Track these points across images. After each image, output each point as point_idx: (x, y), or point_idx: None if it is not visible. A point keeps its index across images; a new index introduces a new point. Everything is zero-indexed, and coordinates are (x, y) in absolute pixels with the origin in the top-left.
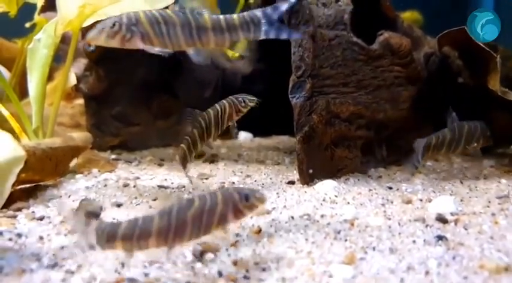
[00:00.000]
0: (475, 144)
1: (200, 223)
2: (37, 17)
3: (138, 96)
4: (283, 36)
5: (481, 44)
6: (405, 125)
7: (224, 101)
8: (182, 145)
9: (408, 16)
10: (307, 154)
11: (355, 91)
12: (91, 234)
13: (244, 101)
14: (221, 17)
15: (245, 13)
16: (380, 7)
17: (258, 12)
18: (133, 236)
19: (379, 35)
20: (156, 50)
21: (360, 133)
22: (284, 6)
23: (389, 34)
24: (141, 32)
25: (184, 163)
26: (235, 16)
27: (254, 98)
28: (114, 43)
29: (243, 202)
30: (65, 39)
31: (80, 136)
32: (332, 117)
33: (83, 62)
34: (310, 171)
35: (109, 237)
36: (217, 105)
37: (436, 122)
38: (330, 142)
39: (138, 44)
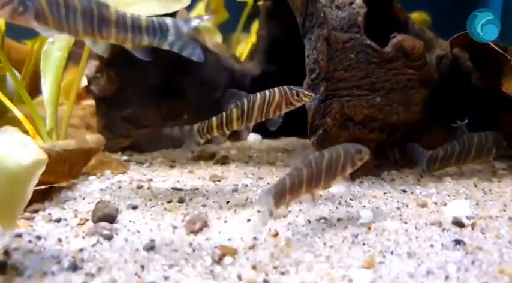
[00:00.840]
0: (488, 154)
1: (330, 171)
2: None
3: (148, 98)
4: (186, 52)
5: (495, 47)
6: (417, 128)
7: (276, 89)
8: (213, 118)
9: (416, 17)
10: None
11: (369, 94)
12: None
13: (298, 94)
14: (128, 14)
15: (156, 18)
16: (391, 9)
17: (168, 21)
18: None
19: (392, 38)
20: (49, 33)
21: (373, 136)
22: (195, 22)
23: (402, 37)
24: (36, 8)
25: (201, 134)
26: (143, 18)
27: (311, 93)
28: (4, 14)
29: (357, 155)
30: (76, 42)
31: (92, 138)
32: (346, 120)
33: (94, 64)
34: None
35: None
36: (267, 91)
37: (447, 124)
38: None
39: (31, 22)
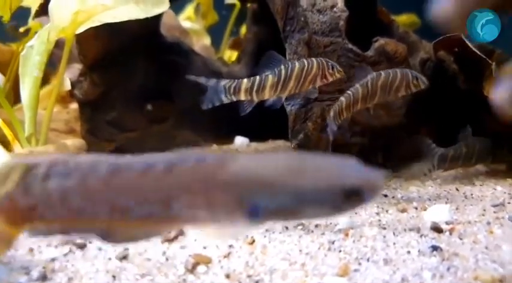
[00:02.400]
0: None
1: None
2: (31, 22)
3: (134, 102)
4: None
5: (477, 51)
6: (400, 131)
7: (314, 59)
8: (245, 80)
9: (405, 19)
10: None
11: None
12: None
13: (333, 67)
14: None
15: None
16: (375, 12)
17: None
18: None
19: (375, 41)
20: None
21: (355, 140)
22: None
23: (384, 40)
24: None
25: (227, 92)
26: None
27: (341, 69)
28: None
29: (414, 82)
30: (58, 45)
31: (73, 143)
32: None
33: (77, 67)
34: None
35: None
36: (305, 60)
37: (432, 127)
38: (325, 150)
39: None
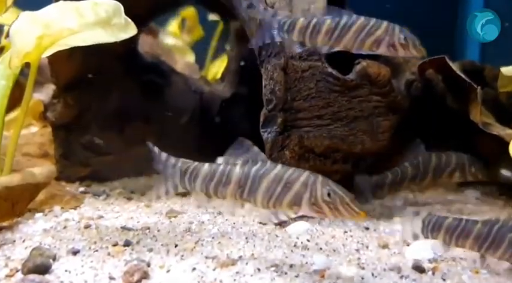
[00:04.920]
0: (449, 178)
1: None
2: (4, 41)
3: (110, 124)
4: None
5: (461, 74)
6: (387, 155)
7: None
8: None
9: None
10: None
11: (331, 123)
12: None
13: (405, 39)
14: None
15: None
16: None
17: None
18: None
19: (356, 64)
20: None
21: (337, 167)
22: None
23: (367, 62)
24: None
25: (280, 28)
26: None
27: (422, 49)
28: None
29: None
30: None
31: (41, 171)
32: (306, 152)
33: (52, 88)
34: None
35: None
36: (372, 19)
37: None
38: None
39: None
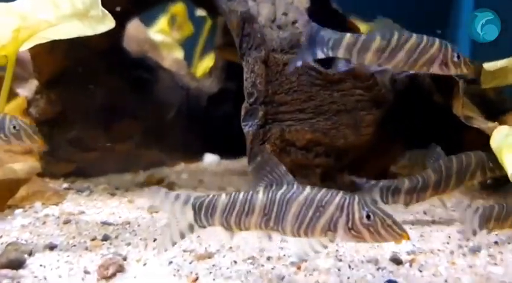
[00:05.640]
0: (471, 179)
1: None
2: None
3: (95, 120)
4: None
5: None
6: (371, 150)
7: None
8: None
9: None
10: None
11: (313, 117)
12: None
13: (459, 57)
14: None
15: None
16: (346, 26)
17: None
18: None
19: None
20: None
21: (319, 161)
22: None
23: None
24: None
25: (325, 42)
26: None
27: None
28: None
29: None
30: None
31: (22, 167)
32: (287, 146)
33: (35, 84)
34: None
35: None
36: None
37: (406, 144)
38: None
39: None
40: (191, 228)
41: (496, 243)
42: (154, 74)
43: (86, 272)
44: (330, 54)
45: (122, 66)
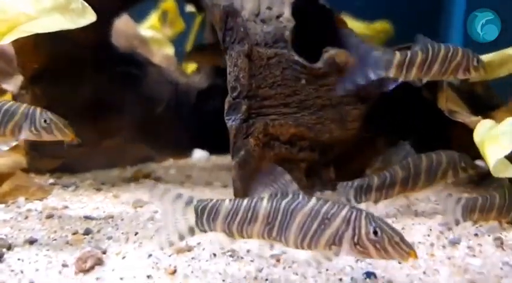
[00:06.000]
0: (443, 178)
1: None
2: None
3: (82, 115)
4: None
5: None
6: (356, 145)
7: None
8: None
9: (378, 27)
10: (243, 180)
11: (297, 112)
12: None
13: (478, 61)
14: None
15: None
16: (332, 22)
17: None
18: None
19: (324, 52)
20: None
21: (303, 155)
22: None
23: (335, 51)
24: None
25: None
26: None
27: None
28: None
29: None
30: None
31: (5, 161)
32: (271, 140)
33: (20, 79)
34: None
35: None
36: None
37: (393, 139)
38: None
39: None
40: (192, 231)
41: (476, 235)
42: (143, 69)
43: (64, 265)
44: (382, 74)
45: (109, 62)
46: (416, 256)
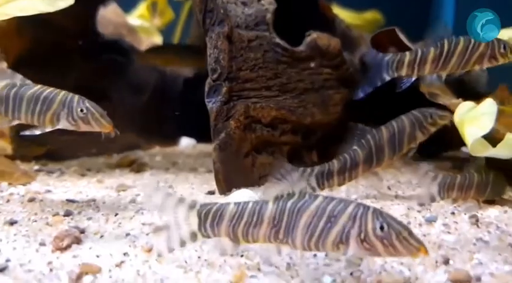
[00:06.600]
0: (414, 142)
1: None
2: None
3: None
4: None
5: (410, 44)
6: (339, 129)
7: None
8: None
9: (369, 16)
10: (223, 163)
11: (279, 95)
12: None
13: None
14: None
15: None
16: (318, 7)
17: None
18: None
19: (307, 36)
20: None
21: (286, 138)
22: None
23: (317, 34)
24: None
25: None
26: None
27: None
28: None
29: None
30: None
31: None
32: (252, 122)
33: (4, 65)
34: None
35: None
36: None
37: (375, 124)
38: (251, 149)
39: None
40: (194, 237)
41: (453, 213)
42: (129, 56)
43: (42, 244)
44: (395, 75)
45: (94, 49)
46: (426, 252)
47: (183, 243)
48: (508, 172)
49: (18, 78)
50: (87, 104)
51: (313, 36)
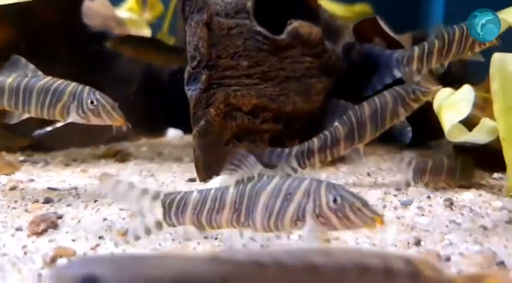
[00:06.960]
0: (397, 118)
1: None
2: None
3: None
4: None
5: (390, 33)
6: (321, 117)
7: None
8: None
9: (358, 9)
10: (203, 150)
11: (260, 83)
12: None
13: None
14: None
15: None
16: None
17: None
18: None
19: (289, 25)
20: None
21: (267, 126)
22: None
23: (298, 23)
24: None
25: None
26: None
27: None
28: None
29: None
30: None
31: None
32: (233, 110)
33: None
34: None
35: None
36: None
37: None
38: (232, 137)
39: None
40: (159, 226)
41: (428, 197)
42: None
43: (18, 229)
44: (407, 69)
45: (80, 41)
46: (382, 222)
47: (148, 232)
48: (480, 157)
49: (30, 68)
50: (98, 96)
51: (294, 24)
